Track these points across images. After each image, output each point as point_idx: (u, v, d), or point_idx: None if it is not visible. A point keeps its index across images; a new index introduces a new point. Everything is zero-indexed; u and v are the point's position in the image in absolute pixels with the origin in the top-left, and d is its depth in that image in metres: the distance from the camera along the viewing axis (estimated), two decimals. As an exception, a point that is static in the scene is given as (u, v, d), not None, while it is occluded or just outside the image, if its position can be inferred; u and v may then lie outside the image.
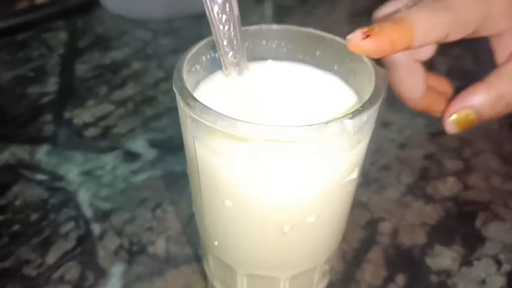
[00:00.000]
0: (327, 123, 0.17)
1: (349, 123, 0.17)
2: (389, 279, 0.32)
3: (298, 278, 0.24)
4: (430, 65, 0.58)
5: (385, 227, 0.36)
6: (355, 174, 0.21)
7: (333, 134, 0.17)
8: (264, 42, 0.25)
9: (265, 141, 0.17)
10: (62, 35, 0.62)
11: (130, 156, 0.42)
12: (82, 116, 0.47)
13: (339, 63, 0.23)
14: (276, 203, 0.20)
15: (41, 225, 0.35)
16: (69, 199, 0.37)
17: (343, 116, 0.17)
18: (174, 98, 0.49)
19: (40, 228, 0.35)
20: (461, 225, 0.36)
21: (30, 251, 0.33)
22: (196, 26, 0.62)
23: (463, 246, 0.34)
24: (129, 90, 0.51)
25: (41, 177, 0.40)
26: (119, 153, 0.42)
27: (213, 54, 0.23)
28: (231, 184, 0.19)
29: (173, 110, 0.46)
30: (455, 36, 0.22)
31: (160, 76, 0.54)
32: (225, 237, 0.22)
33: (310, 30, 0.24)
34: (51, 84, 0.52)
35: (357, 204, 0.37)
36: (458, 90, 0.49)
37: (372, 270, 0.32)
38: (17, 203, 0.37)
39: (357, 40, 0.20)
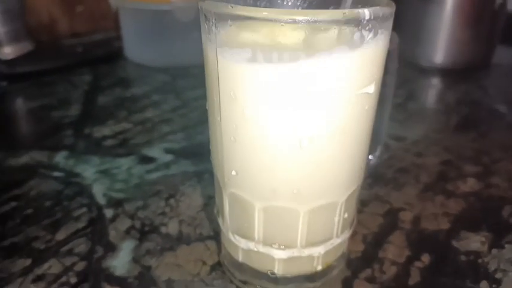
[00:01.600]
0: (346, 10, 0.18)
1: (366, 12, 0.19)
2: (414, 257, 0.30)
3: (317, 214, 0.23)
4: (439, 97, 0.60)
5: (406, 215, 0.34)
6: (371, 89, 0.21)
7: (351, 21, 0.18)
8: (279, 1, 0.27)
9: (283, 25, 0.18)
10: (87, 77, 0.66)
11: (146, 159, 0.42)
12: (101, 131, 0.49)
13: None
14: (295, 110, 0.20)
15: (53, 210, 0.35)
16: (83, 191, 0.37)
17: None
18: (190, 119, 0.52)
19: (52, 212, 0.34)
20: (487, 216, 0.34)
21: (40, 229, 0.32)
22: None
23: (491, 232, 0.32)
24: (148, 114, 0.53)
25: (57, 174, 0.40)
26: (135, 157, 0.43)
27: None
28: (250, 88, 0.20)
29: (188, 128, 0.49)
30: None
31: (178, 104, 0.56)
32: (243, 158, 0.22)
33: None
34: (74, 110, 0.54)
35: (375, 198, 0.36)
36: (466, 117, 0.51)
37: (394, 251, 0.31)
38: (32, 193, 0.37)
39: None
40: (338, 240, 0.25)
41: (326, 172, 0.22)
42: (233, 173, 0.23)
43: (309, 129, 0.21)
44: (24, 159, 0.42)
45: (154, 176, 0.40)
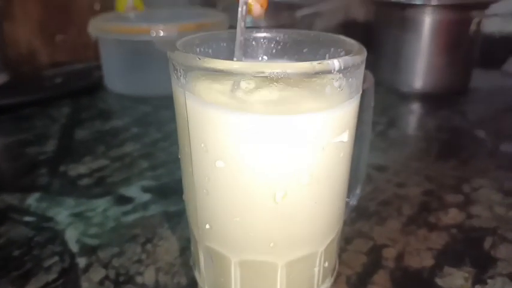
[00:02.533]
0: (315, 62, 0.18)
1: (336, 63, 0.18)
2: (399, 300, 0.29)
3: (296, 266, 0.22)
4: (420, 123, 0.61)
5: (390, 252, 0.34)
6: (345, 137, 0.21)
7: (321, 73, 0.18)
8: (254, 43, 0.26)
9: (253, 79, 0.18)
10: (66, 110, 0.65)
11: (123, 199, 0.41)
12: (77, 168, 0.47)
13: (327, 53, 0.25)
14: (268, 161, 0.19)
15: (23, 260, 0.33)
16: (55, 237, 0.36)
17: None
18: (171, 153, 0.51)
19: (22, 263, 0.33)
20: (469, 248, 0.34)
21: (8, 283, 0.31)
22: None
23: (474, 267, 0.32)
24: (127, 148, 0.52)
25: (28, 219, 0.38)
26: (112, 197, 0.41)
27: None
28: (221, 140, 0.19)
29: (169, 162, 0.48)
30: None
31: (159, 137, 0.55)
32: (217, 211, 0.21)
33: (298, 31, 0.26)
34: (50, 146, 0.53)
35: (358, 234, 0.36)
36: (446, 144, 0.51)
37: (379, 292, 0.30)
38: (1, 241, 0.35)
39: None
40: (319, 291, 0.24)
41: (303, 223, 0.21)
42: (207, 226, 0.22)
43: (283, 181, 0.20)
44: (-5, 202, 0.41)
45: (131, 218, 0.38)
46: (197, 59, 0.18)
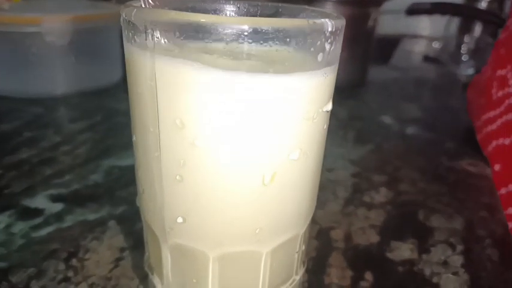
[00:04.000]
0: (311, 20, 0.16)
1: (329, 23, 0.17)
2: (358, 278, 0.29)
3: (279, 252, 0.20)
4: (332, 114, 0.63)
5: (337, 234, 0.34)
6: (330, 106, 0.19)
7: (315, 32, 0.16)
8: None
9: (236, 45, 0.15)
10: None
11: (30, 212, 0.34)
12: (-41, 182, 0.38)
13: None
14: (257, 135, 0.17)
15: None
16: None
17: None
18: (77, 157, 0.45)
19: None
20: (406, 222, 0.36)
21: None
22: (91, 101, 0.59)
23: (415, 238, 0.33)
24: (23, 154, 0.44)
25: None
26: (15, 211, 0.34)
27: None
28: (202, 110, 0.16)
29: (78, 166, 0.41)
30: None
31: (58, 140, 0.48)
32: (193, 200, 0.18)
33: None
34: None
35: (303, 220, 0.35)
36: (360, 130, 0.54)
37: (337, 273, 0.29)
38: None
39: None
40: (297, 277, 0.23)
41: (291, 204, 0.19)
42: (179, 220, 0.19)
43: (272, 158, 0.18)
44: None
45: (44, 232, 0.32)
46: (173, 13, 0.15)
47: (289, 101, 0.17)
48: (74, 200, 0.36)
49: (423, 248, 0.32)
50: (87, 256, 0.30)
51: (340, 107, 0.64)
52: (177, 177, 0.18)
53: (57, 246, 0.30)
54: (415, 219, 0.36)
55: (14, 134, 0.49)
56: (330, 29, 0.17)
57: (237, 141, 0.17)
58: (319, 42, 0.17)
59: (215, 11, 0.22)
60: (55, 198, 0.36)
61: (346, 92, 0.69)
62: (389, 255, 0.31)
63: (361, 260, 0.31)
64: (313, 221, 0.34)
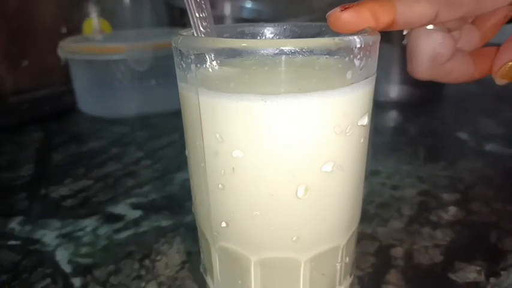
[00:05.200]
0: (337, 38, 0.17)
1: (357, 39, 0.18)
2: (416, 296, 0.28)
3: (319, 262, 0.21)
4: (402, 130, 0.61)
5: (398, 251, 0.33)
6: (365, 121, 0.20)
7: (342, 49, 0.17)
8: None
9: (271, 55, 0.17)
10: (37, 135, 0.62)
11: (113, 217, 0.39)
12: (59, 191, 0.44)
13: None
14: (288, 147, 0.18)
15: (11, 285, 0.30)
16: (44, 259, 0.33)
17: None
18: (156, 171, 0.49)
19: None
20: (476, 243, 0.34)
21: (-7, 311, 0.28)
22: (170, 121, 0.64)
23: (484, 260, 0.32)
24: (109, 168, 0.50)
25: (13, 242, 0.35)
26: (100, 216, 0.39)
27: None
28: (237, 127, 0.18)
29: (155, 179, 0.46)
30: (446, 16, 0.21)
31: (140, 155, 0.53)
32: (234, 207, 0.20)
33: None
34: (26, 170, 0.50)
35: (363, 236, 0.35)
36: (432, 147, 0.52)
37: (395, 291, 0.29)
38: (-17, 268, 0.32)
39: (336, 12, 0.19)
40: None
41: (327, 214, 0.20)
42: (223, 224, 0.20)
43: (306, 169, 0.19)
44: (-30, 230, 0.37)
45: (124, 235, 0.36)
46: (210, 40, 0.18)
47: (319, 117, 0.18)
48: (150, 208, 0.40)
49: (492, 271, 0.30)
50: (158, 258, 0.33)
51: (411, 123, 0.63)
52: (219, 185, 0.20)
53: (133, 248, 0.34)
54: (486, 241, 0.34)
55: (102, 150, 0.55)
56: (358, 46, 0.18)
57: (270, 154, 0.18)
58: (347, 59, 0.18)
59: (261, 34, 0.24)
60: (135, 206, 0.41)
61: (419, 107, 0.67)
62: (452, 276, 0.30)
63: (421, 279, 0.30)
64: (373, 237, 0.34)
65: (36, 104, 0.74)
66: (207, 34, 0.22)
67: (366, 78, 0.19)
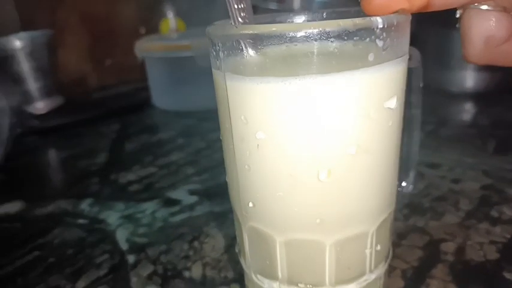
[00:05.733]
0: (356, 19, 0.17)
1: (379, 20, 0.18)
2: (462, 293, 0.27)
3: (345, 246, 0.21)
4: (472, 121, 0.57)
5: (448, 246, 0.31)
6: (393, 103, 0.20)
7: (363, 30, 0.17)
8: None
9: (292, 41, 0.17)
10: (115, 127, 0.67)
11: (171, 202, 0.42)
12: (127, 176, 0.48)
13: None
14: (310, 129, 0.19)
15: (76, 258, 0.34)
16: (106, 237, 0.37)
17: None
18: (214, 160, 0.51)
19: (75, 260, 0.34)
20: (540, 242, 0.31)
21: (61, 278, 0.32)
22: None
23: (548, 260, 0.29)
24: (173, 157, 0.53)
25: (81, 221, 0.40)
26: (160, 200, 0.42)
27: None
28: (260, 108, 0.19)
29: (212, 168, 0.48)
30: None
31: (202, 146, 0.56)
32: (259, 187, 0.21)
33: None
34: (101, 158, 0.55)
35: (413, 229, 0.34)
36: (503, 139, 0.48)
37: (438, 285, 0.28)
38: (56, 241, 0.37)
39: None
40: (372, 276, 0.23)
41: (351, 198, 0.20)
42: (250, 204, 0.21)
43: (328, 151, 0.19)
44: (50, 208, 0.43)
45: (178, 218, 0.39)
46: (234, 26, 0.19)
47: (339, 99, 0.18)
48: (205, 195, 0.43)
49: (555, 273, 0.28)
50: (206, 240, 0.35)
51: (483, 114, 0.58)
52: (246, 166, 0.20)
53: (185, 231, 0.36)
54: (553, 240, 0.31)
55: (169, 140, 0.59)
56: (380, 26, 0.18)
57: (290, 136, 0.19)
58: (368, 39, 0.18)
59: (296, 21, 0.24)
60: (192, 192, 0.43)
61: (495, 97, 0.62)
62: (507, 275, 0.28)
63: (471, 276, 0.28)
64: (423, 231, 0.33)
65: (115, 99, 0.80)
66: (244, 24, 0.23)
67: (391, 60, 0.19)
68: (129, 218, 0.39)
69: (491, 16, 0.22)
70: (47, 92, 0.72)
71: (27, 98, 0.70)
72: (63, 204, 0.43)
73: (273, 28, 0.17)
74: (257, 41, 0.18)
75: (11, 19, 0.76)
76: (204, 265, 0.32)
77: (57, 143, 0.63)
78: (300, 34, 0.17)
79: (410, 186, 0.27)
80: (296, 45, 0.17)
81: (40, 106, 0.71)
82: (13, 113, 0.39)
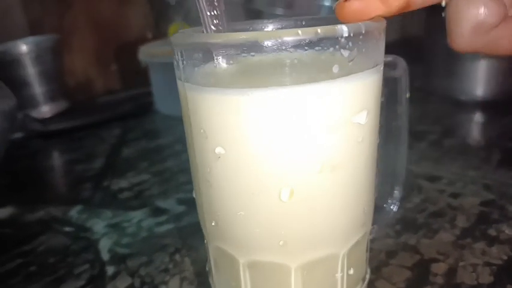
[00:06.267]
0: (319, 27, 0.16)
1: (344, 28, 0.16)
2: (448, 319, 0.25)
3: (313, 270, 0.20)
4: (479, 132, 0.55)
5: (439, 267, 0.30)
6: (362, 118, 0.18)
7: (325, 39, 0.16)
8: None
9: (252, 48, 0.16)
10: (116, 131, 0.67)
11: (159, 211, 0.41)
12: (119, 183, 0.48)
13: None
14: (271, 144, 0.17)
15: (57, 267, 0.33)
16: (89, 246, 0.36)
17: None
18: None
19: (55, 269, 0.33)
20: (538, 265, 0.29)
21: (39, 287, 0.31)
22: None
23: (545, 286, 0.27)
24: (169, 163, 0.53)
25: (68, 229, 0.39)
26: (148, 209, 0.41)
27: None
28: (218, 122, 0.18)
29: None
30: None
31: (200, 153, 0.55)
32: (220, 205, 0.19)
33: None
34: (97, 163, 0.55)
35: (403, 248, 0.32)
36: (510, 151, 0.45)
37: (424, 310, 0.26)
38: (40, 249, 0.36)
39: (341, 1, 0.18)
40: (344, 301, 0.21)
41: (317, 219, 0.19)
42: (213, 223, 0.20)
43: (290, 169, 0.18)
44: (40, 214, 0.42)
45: (164, 228, 0.38)
46: (192, 35, 0.18)
47: (300, 112, 0.17)
48: (194, 205, 0.41)
49: (552, 300, 0.26)
50: (188, 253, 0.34)
51: (492, 124, 0.56)
52: (207, 182, 0.19)
53: (169, 242, 0.35)
54: (553, 264, 0.29)
55: (167, 146, 0.58)
56: (345, 35, 0.16)
57: (248, 152, 0.18)
58: (331, 49, 0.16)
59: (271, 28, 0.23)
60: (181, 201, 0.42)
61: (503, 106, 0.59)
62: (499, 300, 0.26)
63: (460, 300, 0.27)
64: (414, 250, 0.31)
65: (119, 104, 0.80)
66: (217, 32, 0.22)
67: (360, 71, 0.18)
68: (114, 227, 0.39)
69: (480, 2, 0.21)
70: (52, 97, 0.73)
71: (32, 102, 0.71)
72: (54, 210, 0.43)
73: (227, 37, 0.16)
74: (213, 50, 0.17)
75: (19, 24, 0.77)
76: (182, 279, 0.31)
77: (58, 148, 0.63)
78: (254, 44, 0.16)
79: (395, 206, 0.26)
80: (253, 55, 0.16)
81: (45, 110, 0.72)
82: (5, 118, 0.38)
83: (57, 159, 0.59)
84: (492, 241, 0.32)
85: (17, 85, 0.70)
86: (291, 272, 0.20)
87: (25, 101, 0.70)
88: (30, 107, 0.71)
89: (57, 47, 0.73)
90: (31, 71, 0.70)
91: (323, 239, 0.19)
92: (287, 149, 0.17)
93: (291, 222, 0.19)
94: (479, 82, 0.62)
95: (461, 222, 0.35)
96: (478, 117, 0.60)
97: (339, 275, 0.21)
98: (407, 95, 0.25)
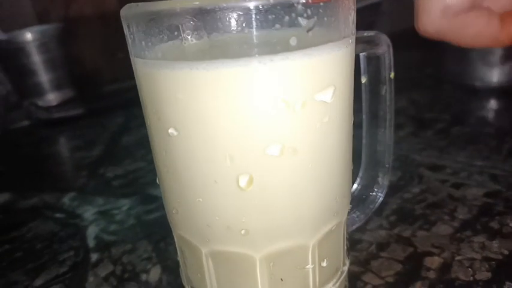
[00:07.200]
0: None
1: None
2: (436, 317, 0.23)
3: (279, 261, 0.18)
4: (490, 120, 0.52)
5: (433, 262, 0.28)
6: (327, 96, 0.17)
7: (280, 4, 0.14)
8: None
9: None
10: (118, 120, 0.67)
11: (150, 198, 0.40)
12: (115, 170, 0.47)
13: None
14: (224, 124, 0.16)
15: (42, 253, 0.33)
16: (77, 233, 0.35)
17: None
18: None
19: (40, 255, 0.33)
20: (541, 261, 0.27)
21: (22, 274, 0.31)
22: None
23: (547, 283, 0.25)
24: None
25: (59, 215, 0.39)
26: (139, 197, 0.41)
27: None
28: (168, 100, 0.16)
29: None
30: None
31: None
32: (179, 192, 0.18)
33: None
34: (96, 151, 0.54)
35: (396, 240, 0.30)
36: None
37: (412, 307, 0.24)
38: (28, 235, 0.36)
39: None
40: (316, 295, 0.20)
41: (279, 208, 0.17)
42: (174, 211, 0.19)
43: (247, 152, 0.16)
44: (33, 201, 0.42)
45: (152, 216, 0.37)
46: (136, 4, 0.16)
47: (255, 88, 0.15)
48: (187, 193, 0.41)
49: (553, 299, 0.24)
50: (173, 242, 0.33)
51: (506, 112, 0.52)
52: (165, 167, 0.18)
53: (155, 230, 0.35)
54: (557, 260, 0.27)
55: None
56: (302, 1, 0.15)
57: (204, 134, 0.16)
58: (287, 18, 0.15)
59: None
60: (174, 190, 0.41)
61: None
62: (495, 298, 0.24)
63: (451, 296, 0.25)
64: (408, 242, 0.29)
65: (124, 92, 0.80)
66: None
67: (322, 44, 0.16)
68: (104, 214, 0.38)
69: None
70: (58, 85, 0.73)
71: (38, 91, 0.71)
72: (47, 197, 0.43)
73: (171, 5, 0.15)
74: (158, 21, 0.16)
75: (28, 13, 0.77)
76: (163, 268, 0.30)
77: (62, 135, 0.63)
78: (201, 12, 0.14)
79: (380, 195, 0.24)
80: (204, 27, 0.15)
81: (50, 98, 0.72)
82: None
83: (59, 146, 0.59)
84: (494, 234, 0.30)
85: (23, 73, 0.70)
86: (255, 263, 0.18)
87: (31, 89, 0.71)
88: (36, 96, 0.71)
89: (63, 36, 0.73)
90: (36, 59, 0.70)
91: (288, 228, 0.18)
92: (241, 130, 0.16)
93: (252, 211, 0.17)
94: (494, 68, 0.59)
95: (462, 214, 0.32)
96: (491, 104, 0.57)
97: (309, 266, 0.19)
98: (392, 75, 0.23)
